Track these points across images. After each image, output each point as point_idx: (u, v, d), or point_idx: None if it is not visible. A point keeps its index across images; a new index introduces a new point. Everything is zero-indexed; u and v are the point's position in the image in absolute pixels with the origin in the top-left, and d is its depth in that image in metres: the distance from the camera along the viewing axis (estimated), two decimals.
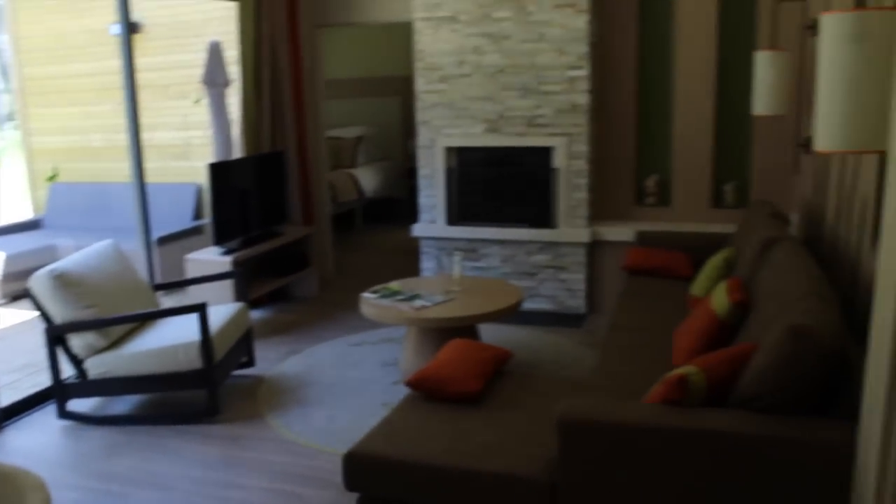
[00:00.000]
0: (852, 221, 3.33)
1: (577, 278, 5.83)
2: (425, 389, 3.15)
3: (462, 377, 3.13)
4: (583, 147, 5.69)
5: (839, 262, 3.52)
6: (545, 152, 5.81)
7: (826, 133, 2.31)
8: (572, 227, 5.80)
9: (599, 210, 6.08)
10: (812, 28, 4.71)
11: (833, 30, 2.25)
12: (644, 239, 5.31)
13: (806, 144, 4.78)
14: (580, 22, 5.58)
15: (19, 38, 8.61)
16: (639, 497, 2.43)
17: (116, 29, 5.75)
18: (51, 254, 7.50)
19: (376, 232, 9.60)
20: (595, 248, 5.85)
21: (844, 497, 2.25)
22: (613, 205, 6.08)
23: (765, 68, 4.49)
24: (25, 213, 8.84)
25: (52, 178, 8.63)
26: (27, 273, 7.09)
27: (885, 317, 1.99)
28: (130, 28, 5.49)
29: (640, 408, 2.50)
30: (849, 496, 2.25)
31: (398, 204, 10.47)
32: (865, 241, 3.05)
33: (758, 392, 2.38)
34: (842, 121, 2.28)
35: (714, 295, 3.38)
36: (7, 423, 4.38)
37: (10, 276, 7.06)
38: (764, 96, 4.51)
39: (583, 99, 5.65)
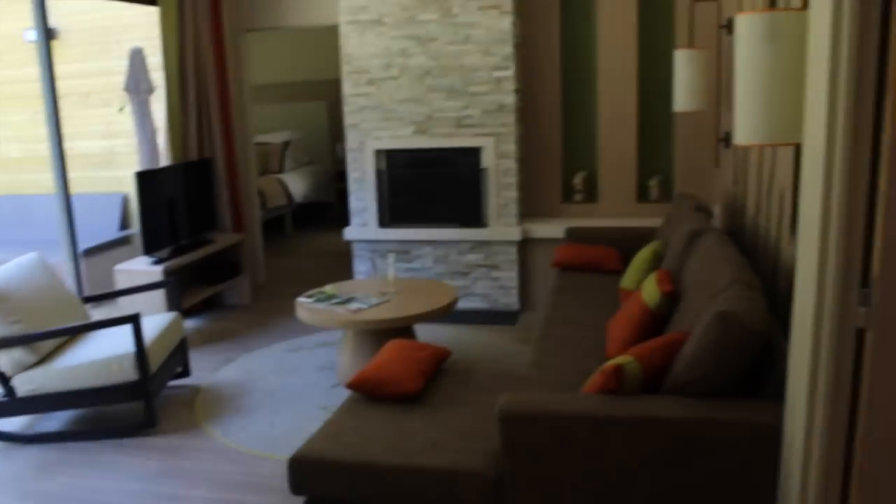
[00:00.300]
0: (772, 212, 3.47)
1: (510, 276, 5.92)
2: (366, 390, 3.18)
3: (402, 377, 3.17)
4: (511, 146, 5.78)
5: (761, 252, 3.66)
6: (474, 152, 5.89)
7: (744, 128, 2.42)
8: (503, 225, 5.88)
9: (529, 208, 6.19)
10: (727, 27, 4.89)
11: (747, 30, 2.36)
12: (573, 235, 5.43)
13: (726, 139, 4.95)
14: (505, 23, 5.66)
15: None
16: (581, 484, 2.50)
17: (32, 35, 5.62)
18: None
19: (307, 237, 9.56)
20: (526, 246, 5.95)
21: (773, 473, 2.36)
22: (542, 203, 6.19)
23: (684, 66, 4.64)
24: None
25: None
26: None
27: (804, 302, 2.10)
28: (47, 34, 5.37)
29: (579, 398, 2.58)
30: (777, 472, 2.36)
31: (327, 208, 10.45)
32: (784, 231, 3.19)
33: (690, 378, 2.48)
34: (759, 116, 2.39)
35: (644, 287, 3.49)
36: None
37: None
38: (684, 93, 4.67)
39: (509, 99, 5.74)
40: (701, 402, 2.46)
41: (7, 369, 4.16)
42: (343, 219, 10.10)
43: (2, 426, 4.30)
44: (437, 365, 3.43)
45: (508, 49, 5.69)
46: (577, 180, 6.09)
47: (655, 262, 4.19)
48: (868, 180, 1.92)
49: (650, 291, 3.38)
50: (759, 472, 2.38)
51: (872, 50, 1.88)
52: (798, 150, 2.98)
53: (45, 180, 7.90)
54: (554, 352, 3.68)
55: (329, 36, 9.49)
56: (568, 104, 6.08)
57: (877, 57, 1.88)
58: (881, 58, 1.87)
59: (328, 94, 10.18)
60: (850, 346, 1.98)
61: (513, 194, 5.84)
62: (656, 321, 3.32)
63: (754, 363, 2.49)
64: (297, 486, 2.78)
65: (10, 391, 4.16)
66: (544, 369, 3.47)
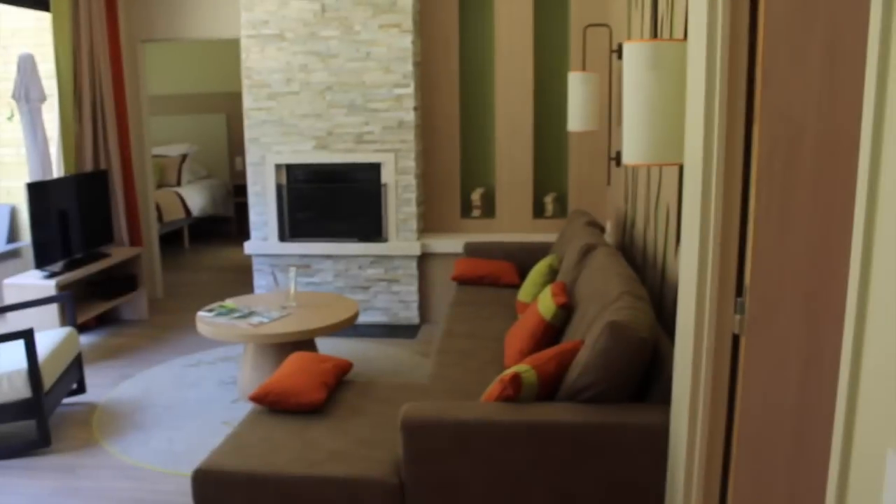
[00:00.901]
0: (659, 227, 3.68)
1: (410, 290, 6.01)
2: (269, 403, 3.20)
3: (305, 388, 3.21)
4: (410, 163, 5.89)
5: (649, 264, 3.87)
6: (374, 168, 5.97)
7: (632, 148, 2.59)
8: (403, 240, 5.98)
9: (429, 223, 6.31)
10: (617, 52, 5.13)
11: (634, 57, 2.53)
12: (471, 250, 5.57)
13: (616, 158, 5.18)
14: (405, 42, 5.78)
15: None
16: (481, 488, 2.61)
17: None
18: None
19: (205, 251, 9.43)
20: (425, 260, 6.05)
21: (661, 472, 2.52)
22: (442, 218, 6.32)
23: (577, 88, 4.85)
24: None
25: None
26: None
27: (686, 310, 2.26)
28: None
29: (479, 406, 2.68)
30: (664, 471, 2.52)
31: (226, 222, 10.33)
32: (670, 244, 3.39)
33: (583, 384, 2.62)
34: (645, 138, 2.56)
35: (540, 299, 3.63)
36: None
37: None
38: (577, 114, 4.87)
39: (409, 116, 5.85)
40: (593, 407, 2.60)
41: None
42: (242, 233, 10.05)
43: None
44: (340, 377, 3.49)
45: (408, 67, 5.80)
46: (476, 196, 6.24)
47: (551, 276, 4.36)
48: (741, 197, 2.10)
49: (546, 304, 3.52)
50: (649, 472, 2.54)
51: (742, 78, 2.06)
52: (681, 169, 3.19)
53: None
54: (454, 363, 3.79)
55: (229, 48, 9.45)
56: (466, 122, 6.23)
57: (746, 85, 2.06)
58: (749, 86, 2.06)
59: (227, 106, 10.09)
60: (727, 350, 2.16)
61: (412, 209, 5.94)
62: (552, 332, 3.46)
63: (643, 370, 2.65)
64: (201, 499, 2.78)
65: None
66: (444, 380, 3.57)
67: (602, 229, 4.87)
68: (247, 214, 9.89)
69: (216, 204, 9.91)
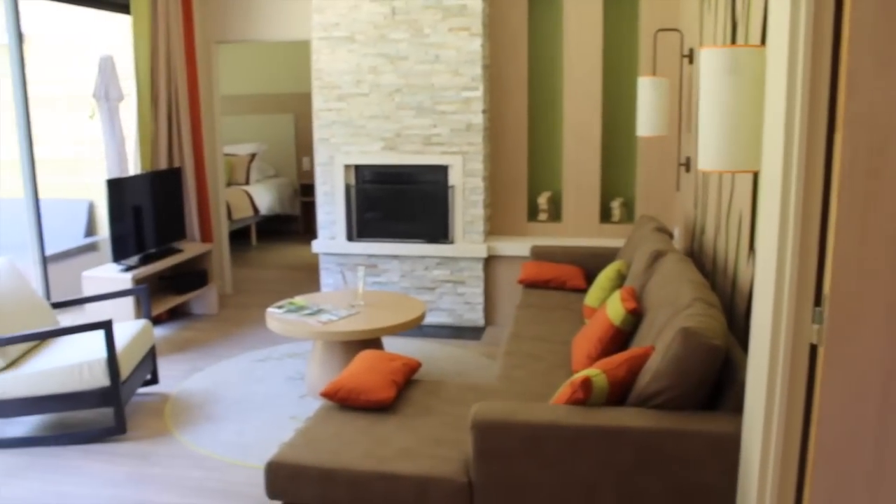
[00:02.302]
0: (730, 234, 3.64)
1: (475, 292, 6.04)
2: (339, 399, 3.26)
3: (375, 386, 3.27)
4: (478, 165, 5.92)
5: (719, 272, 3.83)
6: (442, 170, 6.01)
7: (706, 155, 2.58)
8: (469, 242, 6.01)
9: (494, 226, 6.33)
10: (689, 56, 5.09)
11: (710, 63, 2.52)
12: (538, 253, 5.57)
13: (686, 164, 5.14)
14: (474, 45, 5.81)
15: None
16: (549, 490, 2.62)
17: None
18: None
19: (271, 249, 9.60)
20: (491, 263, 6.07)
21: (732, 481, 2.50)
22: (508, 221, 6.33)
23: (647, 92, 4.83)
24: None
25: None
26: None
27: (762, 319, 2.25)
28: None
29: (549, 408, 2.70)
30: (735, 480, 2.50)
31: (291, 221, 10.50)
32: (742, 252, 3.36)
33: (654, 390, 2.62)
34: (720, 144, 2.55)
35: (609, 304, 3.63)
36: None
37: None
38: (646, 119, 4.85)
39: (477, 118, 5.88)
40: (664, 413, 2.59)
41: None
42: (307, 232, 10.20)
43: None
44: (409, 375, 3.53)
45: (477, 70, 5.84)
46: (542, 200, 6.24)
47: (619, 281, 4.35)
48: (821, 205, 2.08)
49: (615, 309, 3.52)
50: (720, 481, 2.52)
51: (824, 85, 2.04)
52: (756, 176, 3.16)
53: (9, 184, 7.87)
54: (521, 365, 3.81)
55: (298, 50, 9.60)
56: (534, 125, 6.24)
57: (828, 91, 2.04)
58: (832, 92, 2.04)
59: (295, 107, 10.25)
60: (805, 360, 2.14)
61: (479, 212, 5.97)
62: (620, 337, 3.46)
63: (715, 378, 2.63)
64: (273, 490, 2.86)
65: None
66: (512, 382, 3.59)
67: (670, 235, 4.83)
68: (312, 213, 10.06)
69: (283, 203, 10.07)
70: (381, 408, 3.25)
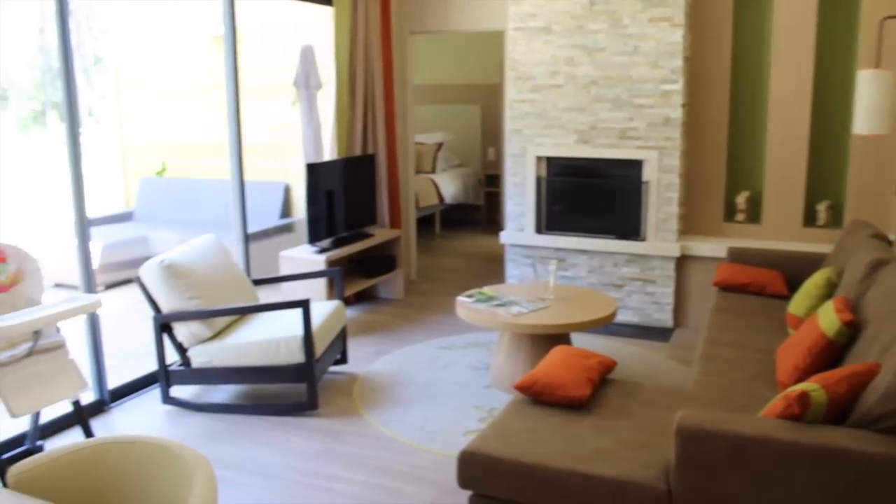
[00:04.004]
0: None
1: (665, 292, 5.84)
2: (533, 393, 3.21)
3: (571, 383, 3.19)
4: (674, 161, 5.71)
5: None
6: (636, 165, 5.84)
7: None
8: (662, 240, 5.81)
9: (688, 224, 6.08)
10: None
11: None
12: (735, 255, 5.30)
13: None
14: (675, 36, 5.60)
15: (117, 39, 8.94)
16: None
17: (213, 30, 5.89)
18: (143, 244, 7.76)
19: (454, 237, 9.71)
20: (683, 263, 5.84)
21: None
22: (702, 220, 6.07)
23: (867, 87, 4.46)
24: (117, 207, 9.14)
25: (160, 173, 8.97)
26: (121, 263, 7.38)
27: None
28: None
29: (759, 421, 2.54)
30: None
31: (475, 210, 10.58)
32: None
33: (882, 412, 2.40)
34: None
35: (821, 314, 3.38)
36: (114, 404, 4.58)
37: (105, 266, 7.31)
38: (866, 115, 4.49)
39: (676, 113, 5.66)
40: (893, 438, 2.37)
41: (185, 341, 4.45)
42: (491, 222, 10.24)
43: (176, 393, 4.60)
44: (604, 374, 3.44)
45: (678, 62, 5.62)
46: (741, 199, 5.94)
47: (828, 290, 4.05)
48: None
49: (828, 319, 3.27)
50: None
51: None
52: None
53: (208, 166, 8.39)
54: (719, 372, 3.62)
55: (487, 40, 9.64)
56: (735, 121, 5.94)
57: None
58: None
59: (482, 97, 10.30)
60: None
61: (673, 209, 5.76)
62: (833, 350, 3.21)
63: None
64: (465, 480, 2.85)
65: (185, 361, 4.45)
66: (710, 389, 3.42)
67: (889, 243, 4.46)
68: (495, 204, 10.09)
69: (467, 192, 10.16)
70: (576, 405, 3.17)
